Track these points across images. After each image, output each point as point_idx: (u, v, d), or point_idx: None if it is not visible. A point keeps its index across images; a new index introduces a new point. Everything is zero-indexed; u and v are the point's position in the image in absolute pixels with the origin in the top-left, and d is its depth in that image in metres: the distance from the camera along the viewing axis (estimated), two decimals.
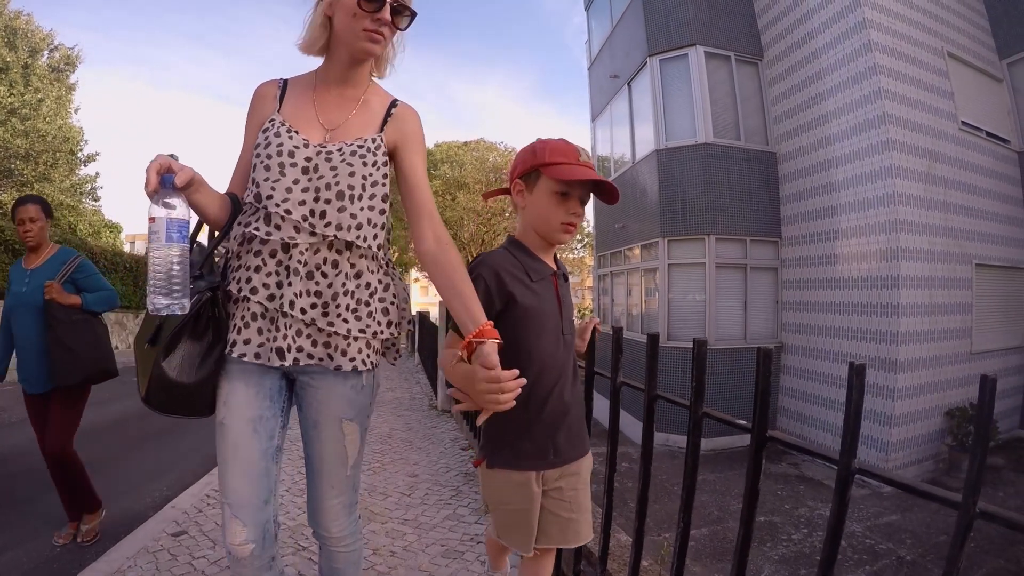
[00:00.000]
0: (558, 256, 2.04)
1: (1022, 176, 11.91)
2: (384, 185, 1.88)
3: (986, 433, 1.17)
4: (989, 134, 11.43)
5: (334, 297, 1.81)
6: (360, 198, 1.82)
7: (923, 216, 9.63)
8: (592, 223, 20.02)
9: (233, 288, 1.85)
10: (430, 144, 34.31)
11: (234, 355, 1.83)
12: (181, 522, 4.56)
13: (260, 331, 1.84)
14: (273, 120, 1.87)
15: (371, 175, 1.84)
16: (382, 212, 1.88)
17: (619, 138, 15.22)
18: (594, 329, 2.44)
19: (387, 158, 1.92)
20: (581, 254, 40.74)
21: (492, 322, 1.65)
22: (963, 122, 10.79)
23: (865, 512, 8.16)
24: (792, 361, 11.66)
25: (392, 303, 1.96)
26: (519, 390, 1.50)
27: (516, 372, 1.49)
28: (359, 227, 1.81)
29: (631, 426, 10.90)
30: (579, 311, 46.55)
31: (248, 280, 1.82)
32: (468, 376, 1.56)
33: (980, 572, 6.40)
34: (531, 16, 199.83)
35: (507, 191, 2.00)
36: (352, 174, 1.81)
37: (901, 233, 9.30)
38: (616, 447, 2.50)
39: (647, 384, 2.19)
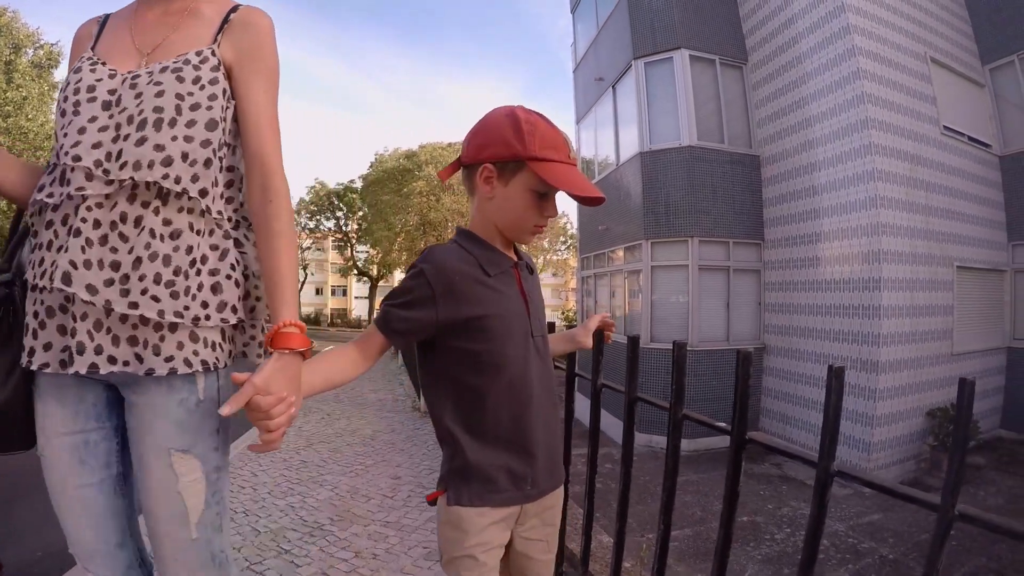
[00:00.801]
0: (520, 248, 1.73)
1: (1003, 180, 12.06)
2: (214, 109, 1.40)
3: (965, 436, 1.23)
4: (971, 138, 11.56)
5: (136, 265, 1.30)
6: (172, 124, 1.35)
7: (905, 219, 9.72)
8: (576, 225, 20.07)
9: (29, 276, 1.38)
10: (414, 144, 34.27)
11: (33, 366, 1.36)
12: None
13: (63, 329, 1.35)
14: (81, 58, 1.46)
15: (191, 95, 1.37)
16: (211, 146, 1.39)
17: (603, 140, 15.24)
18: (603, 334, 2.20)
19: (220, 76, 1.44)
20: (565, 255, 40.86)
21: (304, 325, 1.35)
22: (945, 126, 10.91)
23: (847, 511, 8.21)
24: (775, 363, 11.72)
25: (230, 276, 1.44)
26: (287, 423, 1.24)
27: (282, 396, 1.21)
28: (168, 163, 1.33)
29: (613, 427, 10.90)
30: (563, 313, 46.72)
31: (40, 263, 1.35)
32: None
33: (962, 571, 6.46)
34: (518, 18, 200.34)
35: (457, 166, 1.64)
36: (161, 94, 1.35)
37: (883, 236, 9.37)
38: (597, 448, 2.49)
39: (627, 386, 2.21)
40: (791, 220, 11.41)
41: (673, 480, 2.08)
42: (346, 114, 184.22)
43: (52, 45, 24.45)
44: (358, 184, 42.13)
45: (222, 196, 1.46)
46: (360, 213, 42.73)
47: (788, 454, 1.76)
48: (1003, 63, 12.11)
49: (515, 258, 1.64)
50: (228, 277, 1.44)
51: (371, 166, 37.02)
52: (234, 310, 1.45)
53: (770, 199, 12.05)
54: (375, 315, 1.61)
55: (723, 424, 1.90)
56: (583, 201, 1.55)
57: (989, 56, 12.31)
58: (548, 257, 41.52)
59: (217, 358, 1.43)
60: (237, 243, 1.50)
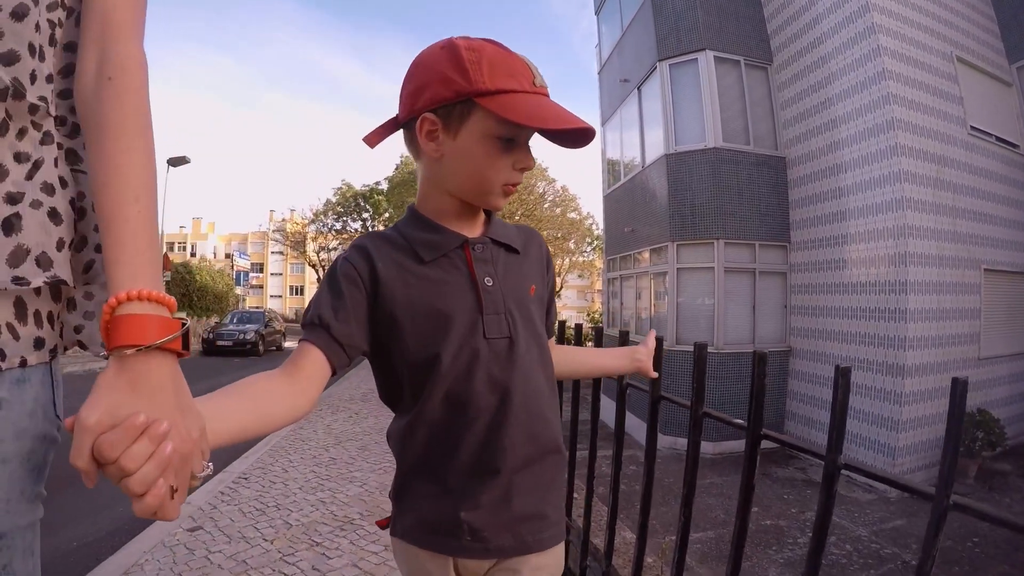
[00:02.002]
0: (496, 219, 1.36)
1: None
2: None
3: (957, 431, 1.23)
4: (998, 139, 11.40)
5: None
6: None
7: (931, 221, 9.62)
8: (602, 225, 20.10)
9: None
10: None
11: None
12: (196, 518, 4.76)
13: None
14: None
15: None
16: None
17: (629, 142, 15.24)
18: (658, 342, 1.85)
19: None
20: (591, 257, 40.73)
21: (172, 301, 0.79)
22: (972, 127, 10.77)
23: (871, 517, 8.18)
24: (800, 365, 11.67)
25: (44, 205, 0.85)
26: (165, 469, 0.72)
27: (136, 422, 0.69)
28: None
29: (637, 429, 10.91)
30: (588, 315, 46.49)
31: None
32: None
33: None
34: (542, 20, 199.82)
35: (391, 127, 1.26)
36: None
37: (909, 238, 9.29)
38: (622, 448, 2.46)
39: (652, 386, 2.13)
40: (818, 222, 11.34)
41: (693, 474, 2.02)
42: (369, 117, 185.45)
43: None
44: (384, 186, 42.42)
45: (50, 80, 0.89)
46: (386, 215, 42.93)
47: (797, 447, 1.73)
48: None
49: (473, 234, 1.28)
50: (38, 206, 0.84)
51: (396, 168, 37.01)
52: (45, 263, 0.85)
53: (796, 201, 11.98)
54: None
55: (740, 421, 1.93)
56: (564, 140, 1.20)
57: (1016, 54, 12.12)
58: (574, 259, 41.48)
59: (17, 350, 0.84)
60: (71, 156, 0.95)
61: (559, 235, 34.80)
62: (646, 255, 14.06)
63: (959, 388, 1.22)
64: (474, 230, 1.30)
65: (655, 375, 1.79)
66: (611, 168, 16.80)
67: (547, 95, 1.18)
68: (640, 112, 14.17)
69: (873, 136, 9.88)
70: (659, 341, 1.88)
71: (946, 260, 9.77)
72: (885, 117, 9.61)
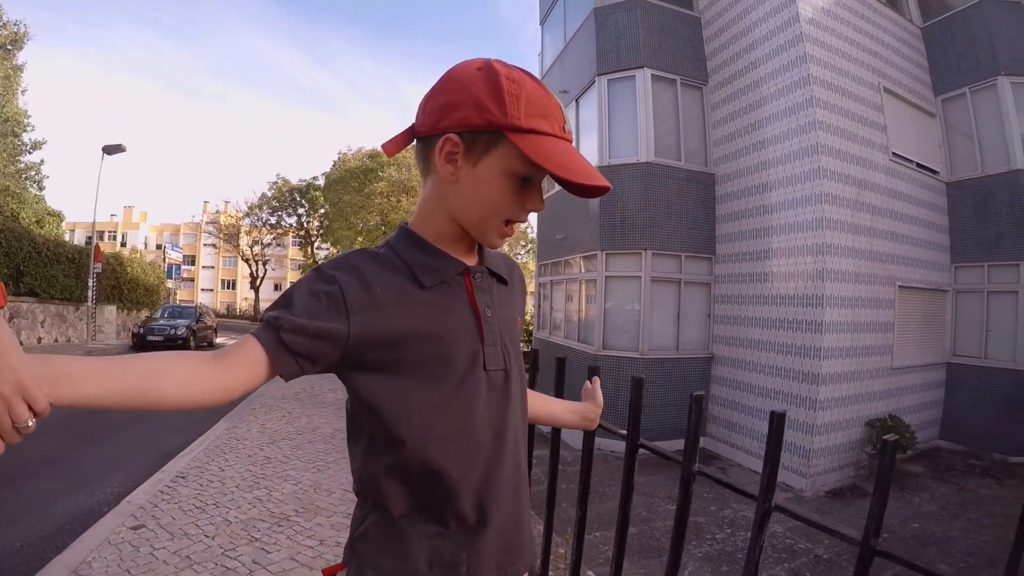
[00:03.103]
0: (488, 250, 1.33)
1: (949, 205, 12.77)
2: None
3: (887, 479, 1.41)
4: (919, 165, 12.20)
5: None
6: None
7: (850, 240, 10.26)
8: (535, 230, 20.33)
9: None
10: (378, 145, 34.11)
11: None
12: (139, 516, 4.84)
13: None
14: None
15: None
16: None
17: None
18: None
19: None
20: (525, 259, 40.81)
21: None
22: (894, 153, 11.51)
23: (786, 515, 8.60)
24: (722, 372, 12.20)
25: None
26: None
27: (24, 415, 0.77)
28: None
29: (567, 431, 11.23)
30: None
31: None
32: None
33: None
34: (487, 22, 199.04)
35: (410, 137, 1.20)
36: None
37: (827, 256, 9.88)
38: (556, 471, 2.61)
39: (631, 430, 2.20)
40: (742, 237, 11.89)
41: (627, 498, 2.26)
42: (311, 112, 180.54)
43: (15, 25, 23.76)
44: (321, 181, 41.95)
45: None
46: (322, 211, 42.49)
47: (734, 488, 1.93)
48: (955, 95, 12.84)
49: (470, 262, 1.25)
50: None
51: (334, 164, 36.91)
52: None
53: (723, 216, 12.51)
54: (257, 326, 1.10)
55: (622, 432, 2.18)
56: (584, 192, 1.14)
57: (942, 87, 13.02)
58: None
59: None
60: None
61: None
62: (577, 262, 14.36)
63: (775, 421, 1.47)
64: (471, 258, 1.26)
65: (595, 426, 1.85)
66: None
67: (571, 140, 1.15)
68: (577, 123, 14.43)
69: (798, 158, 10.45)
70: (636, 384, 2.11)
71: (862, 276, 10.43)
72: (811, 142, 10.18)
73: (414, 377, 1.12)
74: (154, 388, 0.93)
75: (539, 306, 17.83)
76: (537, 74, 17.89)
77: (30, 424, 0.79)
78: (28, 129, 24.08)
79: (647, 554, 7.26)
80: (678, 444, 11.72)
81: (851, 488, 9.70)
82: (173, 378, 0.95)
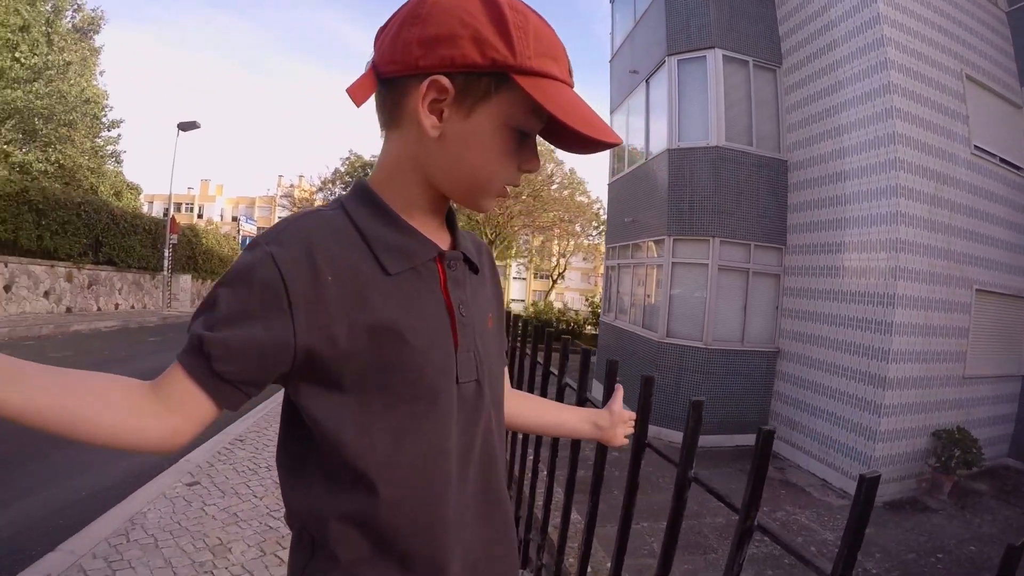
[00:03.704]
0: (456, 218, 1.07)
1: None
2: None
3: (862, 519, 1.15)
4: (1003, 160, 11.35)
5: None
6: None
7: (925, 238, 9.66)
8: (605, 212, 20.12)
9: None
10: None
11: None
12: (195, 474, 5.08)
13: None
14: None
15: None
16: None
17: (635, 133, 15.23)
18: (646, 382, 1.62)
19: None
20: (597, 241, 40.65)
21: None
22: (976, 146, 10.73)
23: (841, 522, 8.28)
24: (787, 368, 11.79)
25: None
26: None
27: None
28: None
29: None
30: (587, 300, 46.40)
31: None
32: None
33: None
34: None
35: (368, 84, 0.92)
36: None
37: (901, 253, 9.36)
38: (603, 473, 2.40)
39: (639, 427, 1.69)
40: (815, 227, 11.39)
41: (632, 495, 1.97)
42: None
43: (92, 11, 24.77)
44: None
45: None
46: None
47: (722, 499, 1.53)
48: None
49: (442, 243, 1.01)
50: None
51: None
52: None
53: (795, 205, 12.02)
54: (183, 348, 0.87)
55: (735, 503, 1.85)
56: (591, 146, 0.94)
57: None
58: (579, 241, 41.53)
59: None
60: None
61: (566, 217, 34.83)
62: (644, 247, 14.18)
63: (865, 484, 1.24)
64: (440, 238, 1.01)
65: (623, 443, 1.50)
66: (616, 157, 16.82)
67: (573, 85, 0.94)
68: (647, 104, 14.16)
69: (874, 148, 9.89)
70: (647, 381, 1.63)
71: (937, 277, 9.81)
72: (887, 130, 9.61)
73: (378, 394, 0.89)
74: (89, 418, 0.78)
75: (607, 289, 17.66)
76: (608, 54, 17.65)
77: None
78: (107, 109, 24.91)
79: (692, 550, 7.18)
80: (739, 439, 11.58)
81: (910, 501, 9.23)
82: (113, 412, 0.80)
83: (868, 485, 1.11)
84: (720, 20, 12.23)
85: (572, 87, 0.92)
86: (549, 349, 2.76)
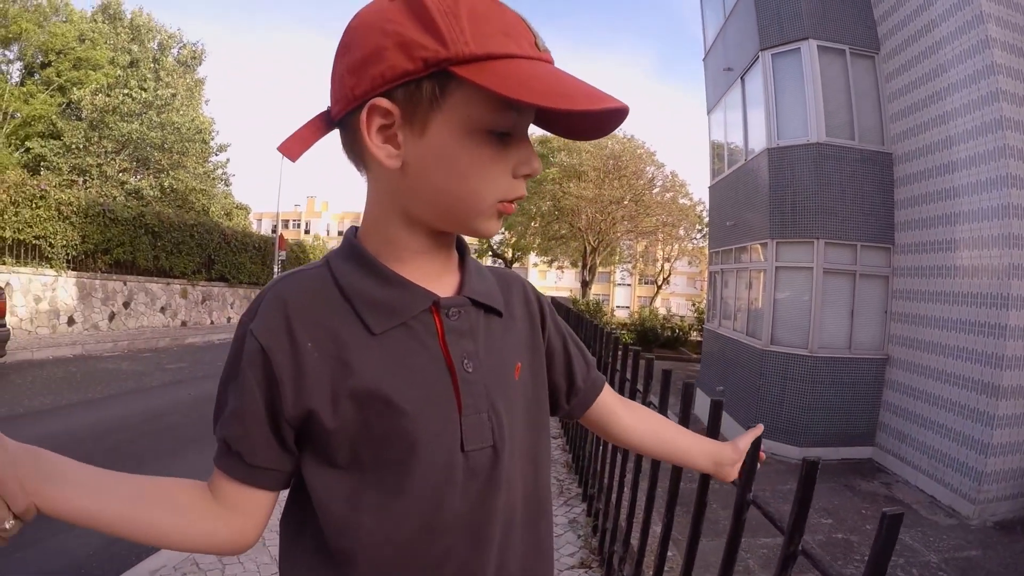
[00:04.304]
0: (470, 262, 0.95)
1: None
2: None
3: (884, 557, 1.09)
4: None
5: None
6: None
7: None
8: (707, 215, 19.77)
9: None
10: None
11: None
12: None
13: None
14: None
15: None
16: None
17: (733, 133, 14.85)
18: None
19: None
20: (701, 244, 40.00)
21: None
22: None
23: (947, 543, 7.75)
24: (897, 376, 10.99)
25: None
26: None
27: None
28: None
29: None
30: (694, 305, 45.76)
31: None
32: None
33: None
34: None
35: (320, 128, 0.85)
36: None
37: (1014, 248, 8.52)
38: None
39: (742, 486, 1.53)
40: (925, 224, 10.56)
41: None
42: None
43: (194, 45, 27.47)
44: None
45: None
46: None
47: (772, 521, 1.44)
48: None
49: (443, 290, 0.87)
50: None
51: None
52: None
53: (903, 200, 11.21)
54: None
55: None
56: (582, 125, 0.85)
57: None
58: (683, 244, 40.94)
59: None
60: None
61: (669, 221, 34.40)
62: (746, 250, 13.77)
63: (888, 523, 1.03)
64: (444, 282, 0.89)
65: (732, 479, 1.33)
66: (716, 159, 16.39)
67: (552, 63, 0.80)
68: (744, 102, 13.75)
69: (981, 135, 9.05)
70: (812, 465, 1.35)
71: None
72: (994, 115, 8.76)
73: (371, 467, 0.80)
74: (162, 529, 0.77)
75: (711, 295, 17.30)
76: (699, 54, 17.19)
77: (7, 526, 0.65)
78: (214, 135, 27.03)
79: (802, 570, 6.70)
80: (845, 452, 10.96)
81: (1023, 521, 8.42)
82: (185, 520, 0.78)
83: (808, 467, 1.27)
84: (812, 8, 11.63)
85: (544, 59, 0.77)
86: (624, 362, 2.71)
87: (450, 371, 0.83)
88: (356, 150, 0.83)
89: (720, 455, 1.25)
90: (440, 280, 0.87)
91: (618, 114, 0.75)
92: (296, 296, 0.81)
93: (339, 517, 0.80)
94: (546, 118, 0.84)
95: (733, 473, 1.28)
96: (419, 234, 0.84)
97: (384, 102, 0.74)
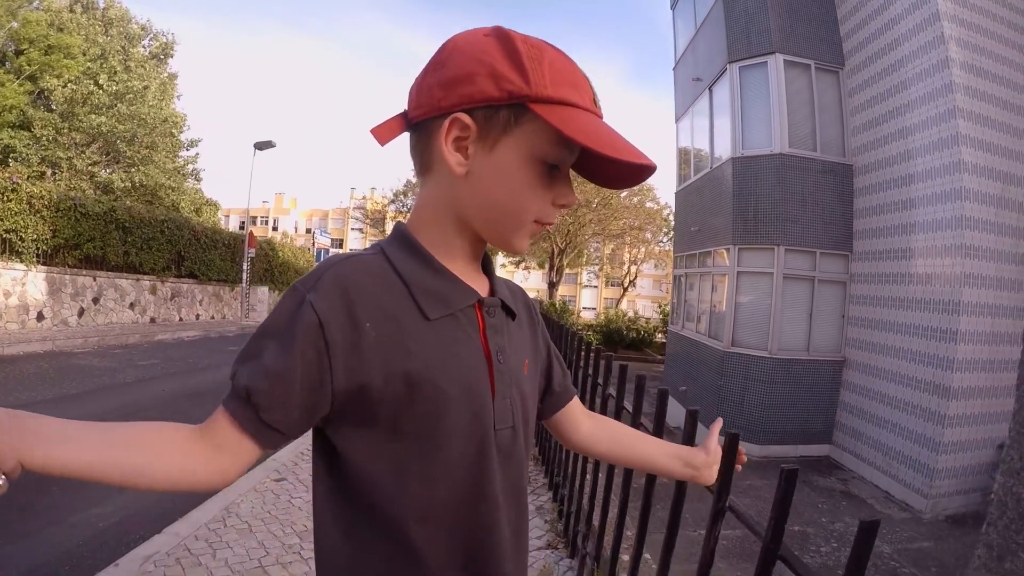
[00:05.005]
0: (493, 264, 1.08)
1: None
2: None
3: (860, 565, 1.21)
4: None
5: None
6: None
7: (992, 242, 9.22)
8: (672, 220, 20.05)
9: None
10: None
11: None
12: (281, 471, 5.49)
13: None
14: None
15: None
16: None
17: (699, 141, 15.21)
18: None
19: None
20: (668, 247, 40.33)
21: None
22: None
23: (900, 535, 8.13)
24: (853, 377, 11.47)
25: None
26: None
27: None
28: None
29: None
30: (660, 306, 45.60)
31: None
32: None
33: None
34: (622, 3, 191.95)
35: (401, 125, 0.96)
36: None
37: (967, 258, 9.00)
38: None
39: (718, 490, 1.61)
40: (882, 233, 11.05)
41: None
42: None
43: (164, 36, 27.11)
44: None
45: None
46: None
47: (752, 529, 1.48)
48: None
49: (481, 290, 1.00)
50: None
51: None
52: None
53: (862, 210, 11.69)
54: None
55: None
56: (615, 176, 0.99)
57: None
58: (650, 248, 41.27)
59: None
60: None
61: (636, 224, 34.66)
62: (709, 255, 14.10)
63: (868, 527, 1.16)
64: (479, 284, 1.00)
65: (712, 482, 1.37)
66: (683, 165, 16.74)
67: (603, 118, 0.94)
68: (711, 112, 14.10)
69: (939, 150, 9.54)
70: (733, 439, 1.49)
71: (1005, 283, 9.35)
72: (950, 131, 9.26)
73: (414, 440, 0.89)
74: (139, 467, 0.81)
75: (675, 298, 17.62)
76: (670, 63, 17.56)
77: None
78: (185, 129, 26.65)
79: (749, 558, 7.06)
80: (803, 449, 11.38)
81: (974, 516, 8.81)
82: (162, 459, 0.83)
83: (787, 475, 1.30)
84: (780, 24, 12.05)
85: (600, 117, 0.92)
86: (587, 360, 2.85)
87: (488, 361, 0.95)
88: (426, 153, 0.94)
89: (689, 457, 1.32)
90: (476, 281, 0.99)
91: (648, 171, 0.90)
92: (358, 277, 0.89)
93: (388, 485, 0.88)
94: (586, 166, 0.97)
95: (711, 476, 1.34)
96: (466, 238, 0.97)
97: (465, 117, 0.87)
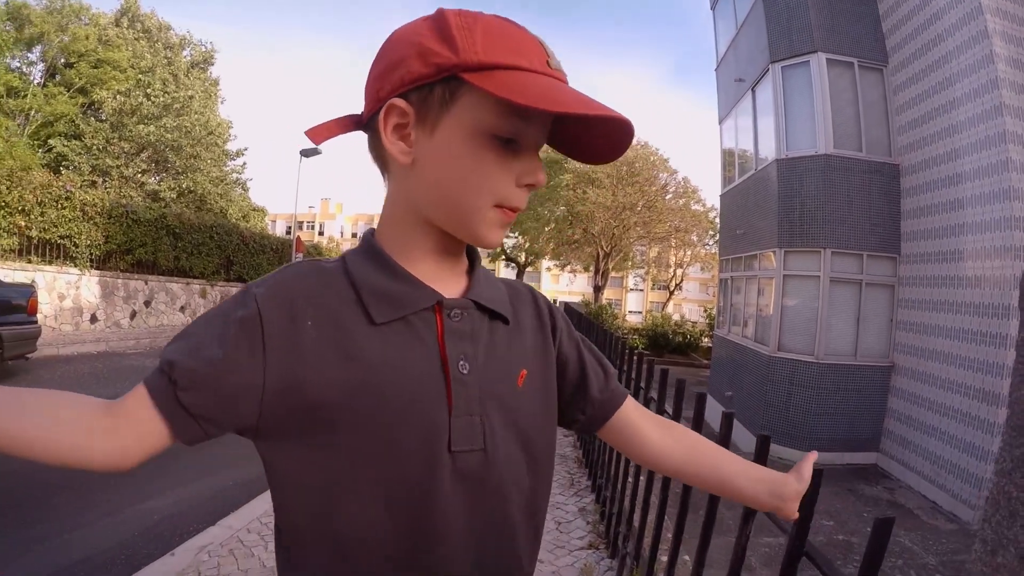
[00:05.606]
0: (481, 271, 0.98)
1: None
2: None
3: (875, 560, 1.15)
4: None
5: None
6: None
7: None
8: (718, 223, 19.77)
9: None
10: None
11: None
12: None
13: None
14: None
15: None
16: None
17: (743, 143, 15.00)
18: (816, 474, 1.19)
19: None
20: (714, 250, 39.74)
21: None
22: None
23: (946, 547, 7.89)
24: (902, 383, 11.13)
25: None
26: None
27: None
28: None
29: (737, 433, 10.71)
30: (706, 311, 44.82)
31: None
32: None
33: None
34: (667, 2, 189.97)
35: (347, 125, 0.91)
36: None
37: (1017, 260, 8.66)
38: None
39: (793, 531, 1.45)
40: (931, 235, 10.71)
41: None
42: None
43: (204, 46, 27.96)
44: None
45: None
46: None
47: (779, 526, 1.44)
48: None
49: (450, 291, 0.90)
50: None
51: None
52: None
53: (909, 211, 11.36)
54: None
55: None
56: (592, 143, 0.89)
57: None
58: (696, 251, 40.76)
59: None
60: None
61: (682, 227, 34.23)
62: (756, 258, 13.91)
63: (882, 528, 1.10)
64: (452, 285, 0.91)
65: (796, 516, 1.12)
66: (728, 167, 16.53)
67: (566, 81, 0.84)
68: (754, 113, 13.92)
69: (986, 148, 9.21)
70: (817, 473, 1.19)
71: None
72: (997, 129, 8.93)
73: (348, 454, 0.80)
74: (30, 437, 0.74)
75: (721, 301, 17.42)
76: (712, 63, 17.32)
77: None
78: (231, 138, 27.19)
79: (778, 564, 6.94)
80: (849, 457, 11.10)
81: None
82: (58, 430, 0.76)
83: (880, 527, 1.18)
84: (821, 22, 11.81)
85: (555, 76, 0.82)
86: (630, 364, 2.87)
87: (443, 369, 0.84)
88: (378, 150, 0.89)
89: (781, 486, 1.07)
90: (447, 283, 0.90)
91: (623, 131, 0.81)
92: (307, 279, 0.85)
93: (317, 502, 0.81)
94: (562, 140, 0.90)
95: (795, 510, 1.10)
96: (430, 234, 0.88)
97: (400, 102, 0.81)
